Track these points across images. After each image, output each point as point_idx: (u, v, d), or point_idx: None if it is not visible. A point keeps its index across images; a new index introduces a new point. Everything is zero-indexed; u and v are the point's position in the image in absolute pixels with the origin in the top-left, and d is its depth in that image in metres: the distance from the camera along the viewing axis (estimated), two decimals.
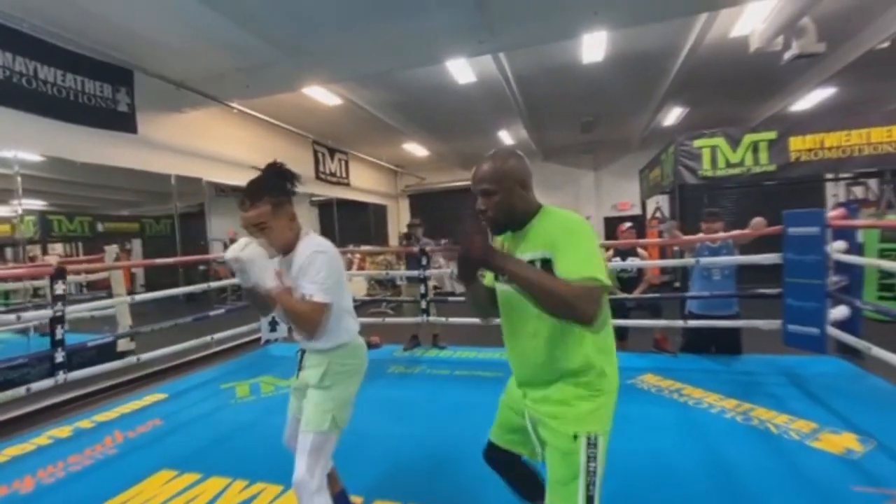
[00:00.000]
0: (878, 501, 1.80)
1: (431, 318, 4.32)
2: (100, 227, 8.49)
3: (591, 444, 1.14)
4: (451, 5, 3.96)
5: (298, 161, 8.16)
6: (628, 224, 4.21)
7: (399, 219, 12.67)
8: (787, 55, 4.07)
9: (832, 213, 3.41)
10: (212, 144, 6.38)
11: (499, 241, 1.31)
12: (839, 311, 3.31)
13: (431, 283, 4.49)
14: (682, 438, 2.41)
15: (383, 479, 2.15)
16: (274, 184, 1.45)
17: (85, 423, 3.07)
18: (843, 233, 3.44)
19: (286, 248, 1.47)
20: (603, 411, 1.18)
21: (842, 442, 2.27)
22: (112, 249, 5.51)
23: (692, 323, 3.70)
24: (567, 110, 7.42)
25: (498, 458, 1.41)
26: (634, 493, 1.92)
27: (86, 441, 2.78)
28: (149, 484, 2.23)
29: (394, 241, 12.17)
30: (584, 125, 8.36)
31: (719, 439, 2.37)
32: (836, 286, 3.35)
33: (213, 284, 6.27)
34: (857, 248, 3.58)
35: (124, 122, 5.07)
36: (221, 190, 7.59)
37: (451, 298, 4.98)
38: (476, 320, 4.40)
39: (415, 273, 4.31)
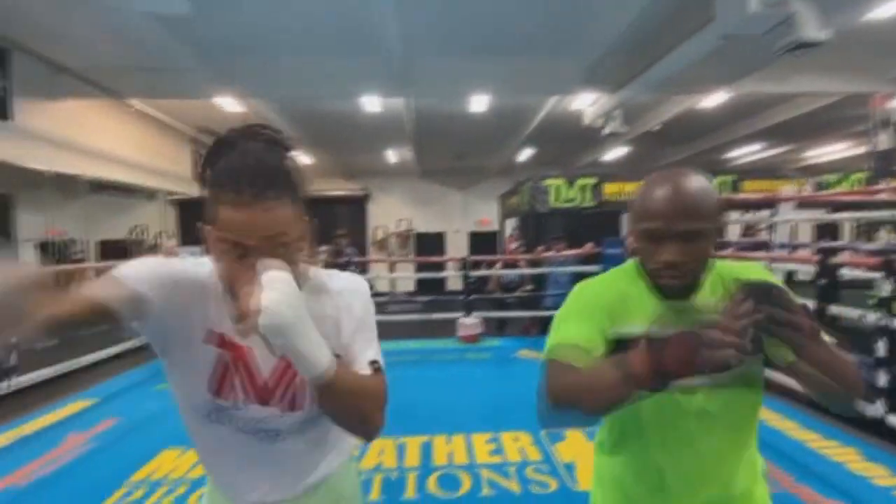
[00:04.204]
0: None
1: None
2: None
3: None
4: (382, 54, 4.79)
5: (176, 160, 7.78)
6: (515, 244, 5.65)
7: None
8: (604, 131, 6.01)
9: (629, 239, 5.32)
10: (87, 136, 5.86)
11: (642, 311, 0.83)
12: None
13: None
14: None
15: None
16: (295, 168, 0.72)
17: (22, 431, 3.01)
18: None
19: None
20: None
21: None
22: None
23: (548, 314, 5.27)
24: (449, 142, 8.79)
25: None
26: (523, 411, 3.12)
27: (43, 444, 2.81)
28: (159, 462, 2.57)
29: None
30: (458, 154, 9.88)
31: None
32: None
33: None
34: None
35: None
36: (101, 188, 6.87)
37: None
38: (387, 317, 5.30)
39: None
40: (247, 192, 0.63)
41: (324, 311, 0.77)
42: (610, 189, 7.24)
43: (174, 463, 2.54)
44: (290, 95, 5.59)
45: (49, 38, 4.48)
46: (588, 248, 5.12)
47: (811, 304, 2.59)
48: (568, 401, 0.72)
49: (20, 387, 3.69)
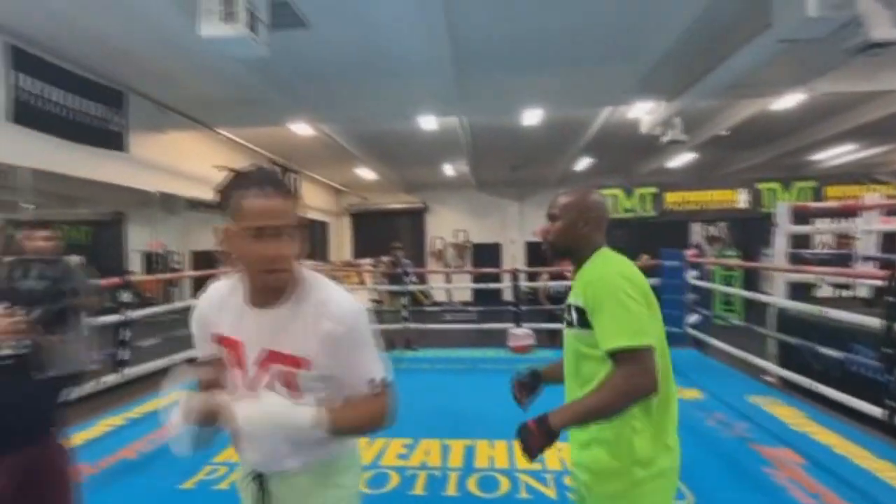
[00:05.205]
0: (707, 419, 3.23)
1: (412, 325, 5.32)
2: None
3: None
4: (435, 75, 5.07)
5: None
6: None
7: (340, 236, 13.29)
8: (663, 139, 5.84)
9: (689, 252, 5.10)
10: (185, 162, 6.73)
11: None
12: (693, 318, 4.97)
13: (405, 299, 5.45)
14: None
15: (417, 428, 3.11)
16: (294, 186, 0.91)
17: (132, 414, 3.56)
18: (696, 264, 5.15)
19: (274, 293, 0.89)
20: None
21: (692, 394, 3.76)
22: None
23: None
24: (503, 155, 8.93)
25: None
26: None
27: (148, 425, 3.31)
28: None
29: (334, 256, 12.75)
30: (514, 167, 9.97)
31: None
32: (691, 301, 5.02)
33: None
34: (706, 275, 5.33)
35: (116, 141, 5.38)
36: (196, 205, 7.82)
37: (427, 308, 6.01)
38: (442, 326, 5.52)
39: (397, 288, 5.30)
40: (267, 187, 0.86)
41: (286, 319, 0.91)
42: (672, 198, 6.98)
43: None
44: (353, 118, 6.05)
45: (155, 81, 5.27)
46: (643, 260, 4.99)
47: (879, 322, 2.40)
48: None
49: (130, 378, 4.33)
